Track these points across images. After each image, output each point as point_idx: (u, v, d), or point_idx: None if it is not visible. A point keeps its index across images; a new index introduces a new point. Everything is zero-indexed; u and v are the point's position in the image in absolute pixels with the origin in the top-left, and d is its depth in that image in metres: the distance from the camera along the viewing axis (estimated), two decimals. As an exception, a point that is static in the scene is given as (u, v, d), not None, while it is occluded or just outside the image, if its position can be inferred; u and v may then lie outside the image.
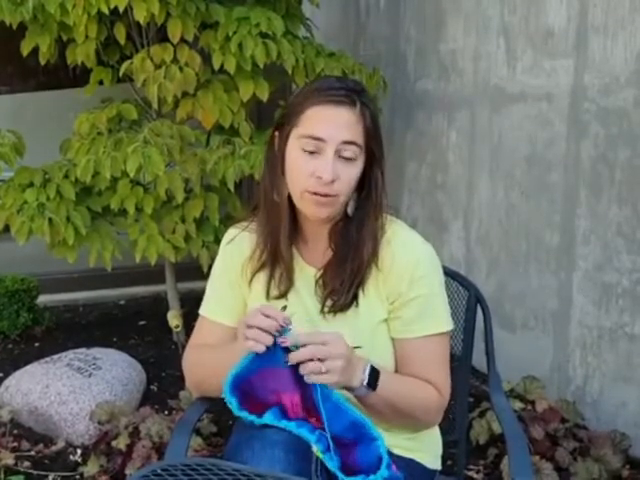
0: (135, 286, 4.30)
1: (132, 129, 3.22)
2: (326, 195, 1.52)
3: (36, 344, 3.60)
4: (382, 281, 1.59)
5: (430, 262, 1.61)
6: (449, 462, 2.02)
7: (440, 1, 3.49)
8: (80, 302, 4.23)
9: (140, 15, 2.92)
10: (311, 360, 1.39)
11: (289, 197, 1.58)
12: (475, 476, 2.54)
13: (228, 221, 3.12)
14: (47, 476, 2.57)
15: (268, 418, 1.43)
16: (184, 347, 1.78)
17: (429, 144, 3.63)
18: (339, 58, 3.32)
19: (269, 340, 1.41)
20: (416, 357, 1.59)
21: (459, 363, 1.89)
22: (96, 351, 3.11)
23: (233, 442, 1.50)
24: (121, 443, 2.49)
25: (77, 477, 2.57)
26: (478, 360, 1.94)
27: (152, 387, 3.16)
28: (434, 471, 1.71)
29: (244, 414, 1.44)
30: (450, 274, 1.88)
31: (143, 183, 3.16)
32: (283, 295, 1.62)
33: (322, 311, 1.60)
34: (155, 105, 3.13)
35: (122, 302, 4.31)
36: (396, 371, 1.61)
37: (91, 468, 2.51)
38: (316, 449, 1.40)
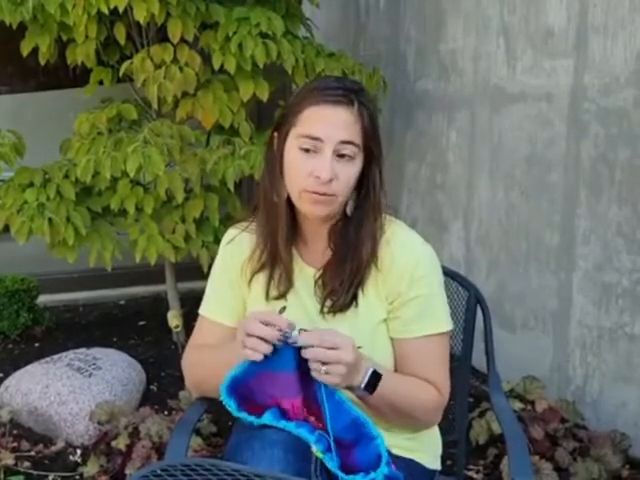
0: (135, 286, 4.30)
1: (132, 129, 3.22)
2: (324, 194, 1.52)
3: (36, 344, 3.60)
4: (381, 281, 1.59)
5: (429, 262, 1.61)
6: (449, 462, 2.02)
7: (440, 1, 3.49)
8: (80, 302, 4.23)
9: (140, 15, 2.92)
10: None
11: (288, 198, 1.58)
12: (475, 476, 2.54)
13: (228, 221, 3.12)
14: (47, 476, 2.57)
15: (267, 418, 1.44)
16: (184, 347, 1.78)
17: (429, 144, 3.63)
18: (339, 58, 3.32)
19: (268, 349, 1.41)
20: (415, 357, 1.59)
21: (459, 363, 1.89)
22: (96, 351, 3.11)
23: (233, 442, 1.50)
24: (121, 443, 2.49)
25: (77, 477, 2.57)
26: (478, 360, 1.94)
27: (152, 387, 3.16)
28: (434, 471, 1.71)
29: (243, 415, 1.44)
30: (450, 274, 1.89)
31: (143, 183, 3.16)
32: (282, 295, 1.62)
33: (322, 311, 1.60)
34: (155, 105, 3.13)
35: (122, 302, 4.31)
36: (396, 371, 1.61)
37: (91, 468, 2.51)
38: (316, 449, 1.40)
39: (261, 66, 3.06)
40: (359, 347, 1.46)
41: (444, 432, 1.78)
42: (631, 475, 2.48)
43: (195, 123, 3.24)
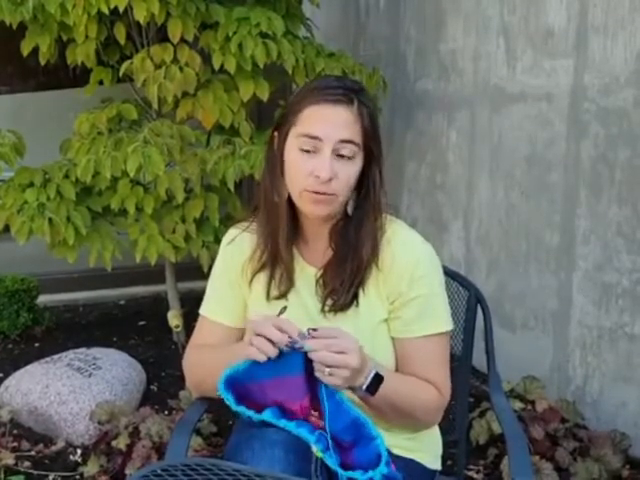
0: (135, 286, 4.30)
1: (132, 129, 3.22)
2: (324, 194, 1.52)
3: (36, 344, 3.60)
4: (382, 281, 1.59)
5: (430, 262, 1.61)
6: (449, 462, 2.02)
7: (440, 1, 3.49)
8: (80, 302, 4.23)
9: (140, 15, 2.92)
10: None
11: (289, 197, 1.58)
12: (475, 476, 2.54)
13: (228, 221, 3.12)
14: (47, 476, 2.57)
15: (267, 415, 1.43)
16: (184, 347, 1.78)
17: (429, 144, 3.63)
18: (339, 58, 3.32)
19: (273, 352, 1.40)
20: (416, 357, 1.59)
21: (459, 363, 1.89)
22: (96, 351, 3.11)
23: (233, 442, 1.50)
24: (121, 443, 2.49)
25: (77, 477, 2.57)
26: (478, 360, 1.94)
27: (152, 387, 3.16)
28: (434, 471, 1.71)
29: (242, 409, 1.44)
30: (450, 274, 1.88)
31: (143, 183, 3.16)
32: (283, 295, 1.62)
33: (323, 310, 1.60)
34: (155, 105, 3.13)
35: (122, 302, 4.31)
36: (396, 371, 1.61)
37: (91, 468, 2.51)
38: (316, 449, 1.40)
39: (261, 66, 3.06)
40: (360, 347, 1.46)
41: (444, 432, 1.78)
42: (631, 475, 2.48)
43: (195, 123, 3.24)
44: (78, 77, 3.62)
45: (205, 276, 1.81)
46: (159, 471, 1.15)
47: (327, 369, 1.39)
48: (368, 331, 1.58)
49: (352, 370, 1.41)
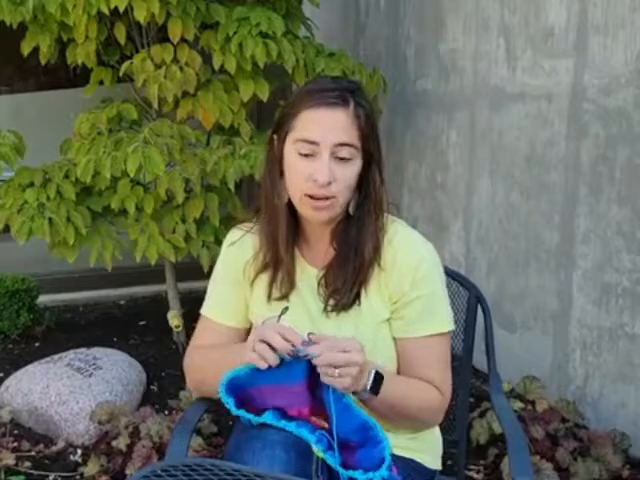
0: (135, 286, 4.30)
1: (132, 129, 3.22)
2: (325, 198, 1.52)
3: (36, 344, 3.60)
4: (384, 280, 1.59)
5: (432, 262, 1.61)
6: (449, 462, 2.02)
7: (440, 1, 3.49)
8: (80, 302, 4.23)
9: (140, 15, 2.93)
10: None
11: (289, 199, 1.58)
12: (475, 476, 2.54)
13: (228, 221, 3.12)
14: (47, 476, 2.57)
15: (267, 417, 1.43)
16: (184, 347, 1.79)
17: (429, 144, 3.63)
18: (339, 58, 3.32)
19: (275, 360, 1.41)
20: (418, 357, 1.59)
21: (459, 363, 1.89)
22: (96, 351, 3.11)
23: (233, 442, 1.50)
24: (121, 443, 2.49)
25: (77, 477, 2.57)
26: (478, 360, 1.94)
27: (152, 387, 3.16)
28: (434, 471, 1.71)
29: (242, 412, 1.44)
30: (450, 274, 1.88)
31: (143, 183, 3.16)
32: (285, 297, 1.62)
33: (325, 310, 1.60)
34: (155, 105, 3.13)
35: (122, 302, 4.31)
36: (398, 371, 1.61)
37: (91, 468, 2.50)
38: (317, 449, 1.40)
39: (261, 66, 3.06)
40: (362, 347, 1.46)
41: (444, 432, 1.78)
42: (631, 475, 2.48)
43: (195, 123, 3.24)
44: (78, 77, 3.63)
45: (205, 276, 1.81)
46: (159, 471, 1.16)
47: (336, 371, 1.39)
48: (370, 331, 1.58)
49: (359, 366, 1.41)
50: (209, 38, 3.12)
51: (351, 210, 1.58)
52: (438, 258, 1.63)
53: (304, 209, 1.55)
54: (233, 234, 1.71)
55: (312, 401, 1.45)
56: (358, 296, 1.58)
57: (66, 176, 3.12)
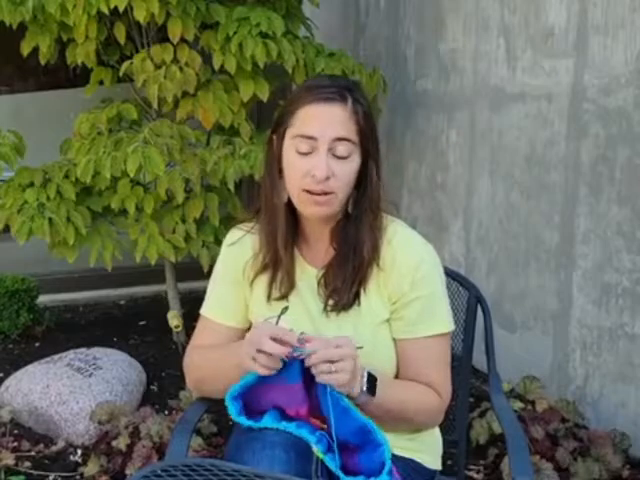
0: (135, 286, 4.30)
1: (132, 129, 3.22)
2: (323, 193, 1.52)
3: (36, 344, 3.60)
4: (383, 281, 1.59)
5: (431, 262, 1.61)
6: (449, 462, 2.01)
7: (440, 1, 3.49)
8: (80, 302, 4.23)
9: (140, 15, 2.93)
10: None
11: (289, 199, 1.58)
12: (475, 476, 2.54)
13: (228, 221, 3.12)
14: (47, 476, 2.57)
15: (267, 421, 1.44)
16: (184, 347, 1.79)
17: (429, 144, 3.63)
18: (339, 58, 3.32)
19: (279, 365, 1.41)
20: (417, 358, 1.59)
21: (459, 363, 1.89)
22: (96, 351, 3.11)
23: (233, 442, 1.50)
24: (121, 443, 2.49)
25: (77, 477, 2.57)
26: (478, 360, 1.94)
27: (152, 387, 3.16)
28: (434, 471, 1.71)
29: (242, 419, 1.44)
30: (450, 274, 1.88)
31: (143, 183, 3.16)
32: (285, 297, 1.62)
33: (325, 310, 1.60)
34: (155, 105, 3.13)
35: (122, 302, 4.31)
36: (397, 372, 1.61)
37: (91, 468, 2.50)
38: (317, 450, 1.40)
39: (261, 66, 3.06)
40: (360, 347, 1.46)
41: (444, 432, 1.78)
42: (631, 475, 2.48)
43: (195, 123, 3.24)
44: (78, 77, 3.63)
45: (205, 276, 1.81)
46: (159, 471, 1.16)
47: (332, 366, 1.39)
48: (369, 331, 1.58)
49: (354, 360, 1.41)
50: (209, 38, 3.12)
51: (350, 209, 1.58)
52: (438, 259, 1.63)
53: (303, 206, 1.55)
54: (233, 234, 1.71)
55: (310, 402, 1.45)
56: (357, 296, 1.58)
57: (66, 176, 3.12)
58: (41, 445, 2.73)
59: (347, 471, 1.40)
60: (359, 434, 1.42)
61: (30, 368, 2.99)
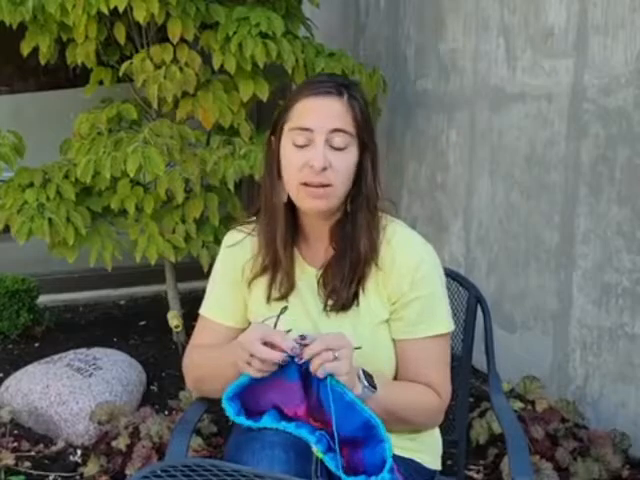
0: (135, 286, 4.30)
1: (132, 129, 3.22)
2: (321, 186, 1.52)
3: (36, 344, 3.60)
4: (382, 281, 1.59)
5: (431, 263, 1.61)
6: (449, 462, 2.02)
7: (440, 1, 3.49)
8: (80, 302, 4.23)
9: (140, 15, 2.93)
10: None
11: (289, 200, 1.58)
12: (475, 476, 2.54)
13: (228, 221, 3.12)
14: (47, 476, 2.57)
15: (266, 421, 1.43)
16: (184, 347, 1.78)
17: (429, 144, 3.63)
18: (339, 58, 3.31)
19: (273, 368, 1.41)
20: (417, 358, 1.59)
21: (459, 363, 1.89)
22: (96, 351, 3.11)
23: (233, 443, 1.50)
24: (121, 443, 2.49)
25: (77, 477, 2.57)
26: (478, 360, 1.94)
27: (152, 387, 3.16)
28: (434, 471, 1.71)
29: (241, 419, 1.44)
30: (450, 275, 1.88)
31: (143, 183, 3.16)
32: (284, 297, 1.62)
33: (324, 309, 1.60)
34: (155, 105, 3.13)
35: (122, 302, 4.31)
36: (397, 372, 1.61)
37: (91, 468, 2.50)
38: (316, 450, 1.40)
39: (261, 66, 3.06)
40: (359, 347, 1.46)
41: (444, 432, 1.78)
42: (631, 475, 2.48)
43: (195, 123, 3.24)
44: (78, 77, 3.63)
45: (205, 276, 1.81)
46: (159, 471, 1.16)
47: (331, 353, 1.38)
48: (368, 331, 1.58)
49: (350, 349, 1.41)
50: (209, 38, 3.12)
51: (349, 207, 1.58)
52: (438, 259, 1.63)
53: (301, 200, 1.55)
54: (232, 236, 1.71)
55: (308, 403, 1.45)
56: (356, 296, 1.58)
57: (66, 176, 3.12)
58: (41, 445, 2.73)
59: (351, 467, 1.39)
60: (364, 429, 1.42)
61: (30, 368, 2.99)
